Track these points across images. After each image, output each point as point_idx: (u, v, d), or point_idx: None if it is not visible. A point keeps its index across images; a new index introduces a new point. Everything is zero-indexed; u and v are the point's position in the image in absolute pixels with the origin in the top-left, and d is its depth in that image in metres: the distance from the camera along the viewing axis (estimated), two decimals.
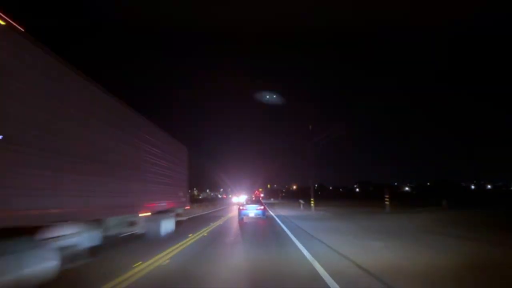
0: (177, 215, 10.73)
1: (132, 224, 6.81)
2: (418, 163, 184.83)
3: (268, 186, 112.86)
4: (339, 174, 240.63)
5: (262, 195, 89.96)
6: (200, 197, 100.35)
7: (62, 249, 4.26)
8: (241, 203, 19.00)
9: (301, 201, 28.51)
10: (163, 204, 8.66)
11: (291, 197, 68.90)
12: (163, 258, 6.18)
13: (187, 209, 13.60)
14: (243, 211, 15.85)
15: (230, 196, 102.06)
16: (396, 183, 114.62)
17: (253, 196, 52.84)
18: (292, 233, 10.18)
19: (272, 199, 69.48)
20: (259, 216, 15.67)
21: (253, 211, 15.69)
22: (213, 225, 13.93)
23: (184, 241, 8.51)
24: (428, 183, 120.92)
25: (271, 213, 21.78)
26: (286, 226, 12.64)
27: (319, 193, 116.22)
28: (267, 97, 31.75)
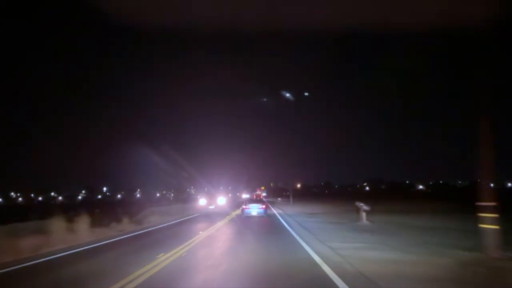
0: None
1: None
2: (422, 161, 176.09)
3: (271, 184, 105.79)
4: (342, 172, 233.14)
5: (264, 194, 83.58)
6: (198, 197, 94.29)
7: None
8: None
9: (363, 206, 12.57)
10: None
11: (301, 197, 61.37)
12: None
13: None
14: (246, 210, 16.62)
15: (236, 194, 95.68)
16: (407, 182, 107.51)
17: (255, 195, 48.55)
18: None
19: (279, 198, 53.32)
20: (261, 215, 16.38)
21: (255, 210, 16.53)
22: None
23: None
24: (441, 181, 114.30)
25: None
26: None
27: (326, 191, 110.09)
28: (287, 94, 32.26)
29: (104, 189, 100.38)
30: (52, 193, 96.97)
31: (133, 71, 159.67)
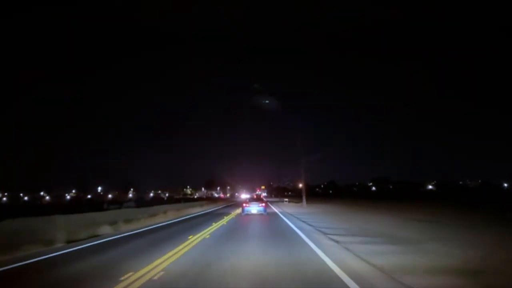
0: None
1: None
2: (427, 160, 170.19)
3: (271, 183, 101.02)
4: (345, 171, 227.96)
5: (264, 194, 78.96)
6: (195, 197, 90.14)
7: None
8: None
9: None
10: None
11: (308, 197, 55.44)
12: None
13: None
14: (247, 208, 17.34)
15: (235, 194, 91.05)
16: (414, 181, 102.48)
17: (255, 195, 46.29)
18: None
19: (285, 199, 39.43)
20: (261, 213, 16.99)
21: (255, 208, 17.25)
22: None
23: None
24: (448, 181, 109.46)
25: None
26: None
27: (331, 191, 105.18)
28: (266, 101, 30.69)
29: (99, 188, 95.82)
30: (42, 192, 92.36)
31: (133, 73, 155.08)
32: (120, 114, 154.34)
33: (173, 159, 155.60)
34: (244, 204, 18.01)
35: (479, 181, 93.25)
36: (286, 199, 38.99)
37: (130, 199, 44.70)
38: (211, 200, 54.17)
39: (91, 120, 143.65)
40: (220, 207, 32.16)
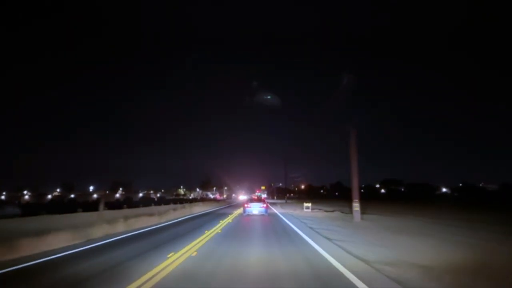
0: None
1: None
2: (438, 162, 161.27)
3: (272, 184, 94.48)
4: (348, 172, 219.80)
5: (264, 195, 72.74)
6: (191, 197, 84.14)
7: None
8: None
9: None
10: None
11: (324, 199, 48.79)
12: None
13: None
14: (248, 209, 18.19)
15: (233, 195, 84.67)
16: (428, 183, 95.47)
17: (256, 197, 42.91)
18: None
19: (307, 205, 24.67)
20: (262, 213, 17.74)
21: (256, 208, 18.02)
22: None
23: None
24: (460, 184, 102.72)
25: None
26: None
27: (336, 193, 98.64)
28: (268, 97, 30.88)
29: (91, 187, 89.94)
30: (25, 191, 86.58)
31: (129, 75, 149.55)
32: (119, 114, 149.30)
33: (170, 158, 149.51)
34: (245, 205, 19.03)
35: (499, 183, 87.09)
36: (308, 205, 23.73)
37: (49, 200, 38.55)
38: (204, 201, 47.69)
39: (88, 120, 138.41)
40: (189, 216, 19.29)
